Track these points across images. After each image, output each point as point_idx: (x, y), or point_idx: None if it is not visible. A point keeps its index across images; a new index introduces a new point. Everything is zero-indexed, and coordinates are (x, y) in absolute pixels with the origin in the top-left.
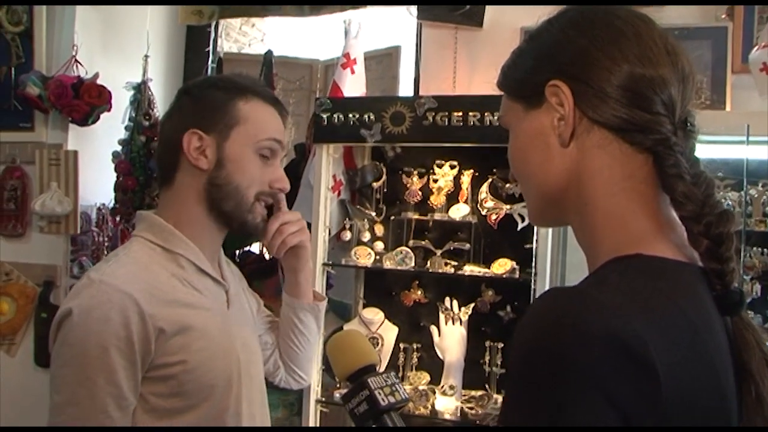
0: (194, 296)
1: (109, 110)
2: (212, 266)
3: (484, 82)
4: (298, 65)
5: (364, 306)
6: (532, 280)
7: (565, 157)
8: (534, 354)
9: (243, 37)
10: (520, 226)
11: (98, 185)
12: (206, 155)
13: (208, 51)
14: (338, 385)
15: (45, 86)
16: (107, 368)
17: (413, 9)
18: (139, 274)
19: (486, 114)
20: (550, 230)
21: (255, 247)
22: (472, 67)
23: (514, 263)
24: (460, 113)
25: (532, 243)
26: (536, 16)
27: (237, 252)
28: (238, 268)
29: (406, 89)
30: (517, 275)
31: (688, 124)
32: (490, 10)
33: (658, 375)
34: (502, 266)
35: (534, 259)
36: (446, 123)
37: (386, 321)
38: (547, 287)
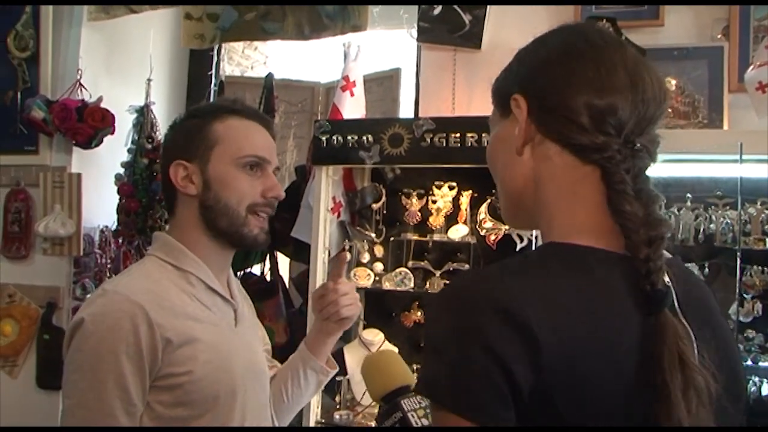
0: (203, 311)
1: (112, 133)
2: (221, 285)
3: (483, 104)
4: (299, 88)
5: (365, 327)
6: None
7: (522, 164)
8: (430, 321)
9: (246, 60)
10: (519, 246)
11: (101, 207)
12: (193, 181)
13: (211, 74)
14: (337, 407)
15: (50, 110)
16: (116, 373)
17: (413, 31)
18: (151, 288)
19: (483, 135)
20: None
21: (256, 269)
22: (470, 88)
23: None
24: (458, 134)
25: None
26: (534, 37)
27: (238, 273)
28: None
29: (406, 111)
30: None
31: (638, 144)
32: (488, 31)
33: (537, 341)
34: None
35: None
36: (444, 144)
37: (386, 342)
38: None
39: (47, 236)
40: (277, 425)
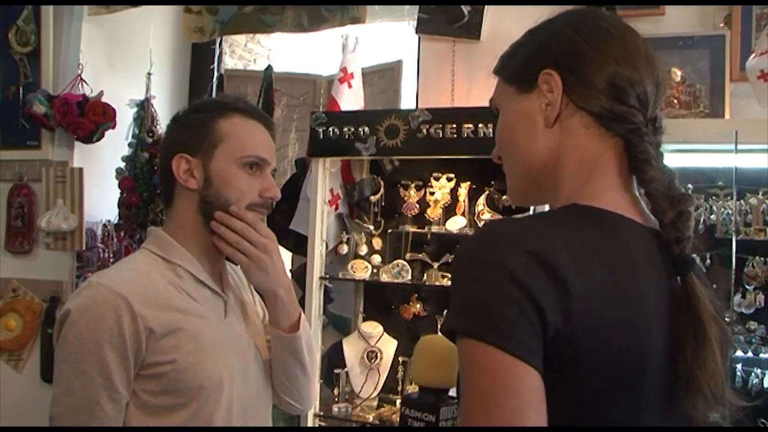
0: (189, 303)
1: (113, 127)
2: (212, 278)
3: (483, 94)
4: (301, 81)
5: (364, 319)
6: None
7: (548, 137)
8: (463, 259)
9: (248, 53)
10: None
11: (103, 202)
12: (194, 176)
13: (213, 68)
14: (336, 400)
15: (51, 105)
16: (100, 362)
17: (413, 23)
18: (137, 280)
19: (480, 125)
20: None
21: None
22: (470, 79)
23: None
24: (454, 125)
25: None
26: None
27: None
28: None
29: (408, 103)
30: None
31: (657, 123)
32: (487, 22)
33: (569, 288)
34: None
35: None
36: (440, 135)
37: (385, 334)
38: None
39: (50, 231)
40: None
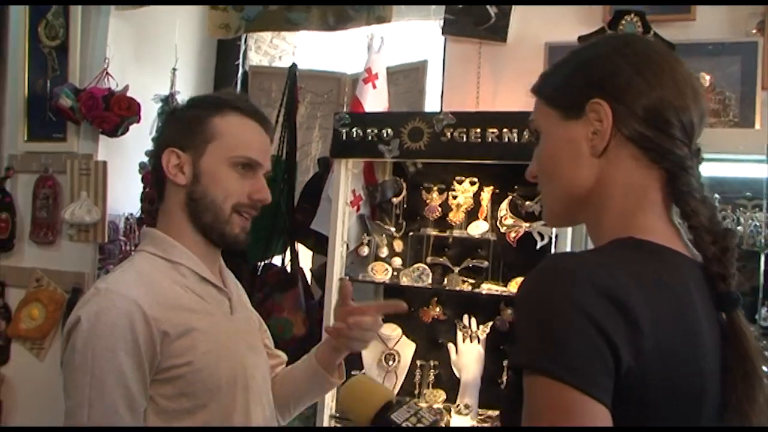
0: (197, 302)
1: (138, 122)
2: (213, 275)
3: (508, 98)
4: (326, 79)
5: (383, 322)
6: None
7: (593, 166)
8: (532, 294)
9: (273, 50)
10: (540, 244)
11: (126, 195)
12: (184, 171)
13: (238, 64)
14: None
15: (77, 98)
16: (116, 370)
17: (440, 22)
18: (143, 282)
19: (505, 130)
20: (567, 249)
21: (276, 260)
22: (495, 82)
23: None
24: (479, 130)
25: None
26: (561, 32)
27: (260, 264)
28: (259, 279)
29: (433, 104)
30: None
31: (700, 154)
32: (514, 25)
33: (639, 326)
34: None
35: None
36: (464, 139)
37: (404, 337)
38: None
39: (73, 223)
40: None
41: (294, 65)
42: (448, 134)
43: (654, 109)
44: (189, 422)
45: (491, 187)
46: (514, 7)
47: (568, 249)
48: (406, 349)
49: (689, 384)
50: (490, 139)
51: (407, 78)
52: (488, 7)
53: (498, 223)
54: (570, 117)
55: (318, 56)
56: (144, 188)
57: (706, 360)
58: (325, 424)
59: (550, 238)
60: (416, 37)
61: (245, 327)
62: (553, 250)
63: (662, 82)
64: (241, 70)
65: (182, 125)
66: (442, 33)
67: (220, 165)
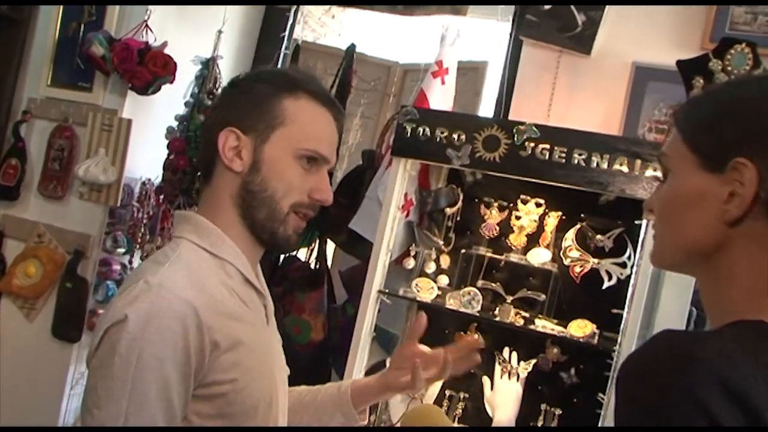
0: (242, 309)
1: (171, 82)
2: (256, 277)
3: (582, 115)
4: (375, 65)
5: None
6: (616, 351)
7: (720, 232)
8: (644, 379)
9: (321, 27)
10: (606, 284)
11: (147, 159)
12: (242, 156)
13: (283, 37)
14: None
15: (111, 48)
16: (162, 381)
17: (507, 23)
18: (196, 281)
19: (594, 155)
20: (644, 298)
21: (301, 253)
22: (571, 96)
23: (594, 327)
24: (565, 149)
25: (619, 307)
26: (651, 52)
27: (281, 256)
28: (279, 272)
29: (487, 109)
30: (596, 341)
31: None
32: (600, 37)
33: (759, 418)
34: (581, 328)
35: (622, 327)
36: (547, 157)
37: None
38: None
39: (86, 180)
40: None
41: (353, 45)
42: (529, 149)
43: None
44: None
45: (558, 213)
46: (604, 17)
47: (643, 299)
48: None
49: None
50: (576, 161)
51: (464, 77)
52: (576, 13)
53: (561, 254)
54: (708, 168)
55: (365, 40)
56: (168, 155)
57: None
58: None
59: (619, 279)
60: (478, 36)
61: (276, 338)
62: (629, 297)
63: None
64: (285, 43)
65: (248, 102)
66: (521, 35)
67: (285, 155)
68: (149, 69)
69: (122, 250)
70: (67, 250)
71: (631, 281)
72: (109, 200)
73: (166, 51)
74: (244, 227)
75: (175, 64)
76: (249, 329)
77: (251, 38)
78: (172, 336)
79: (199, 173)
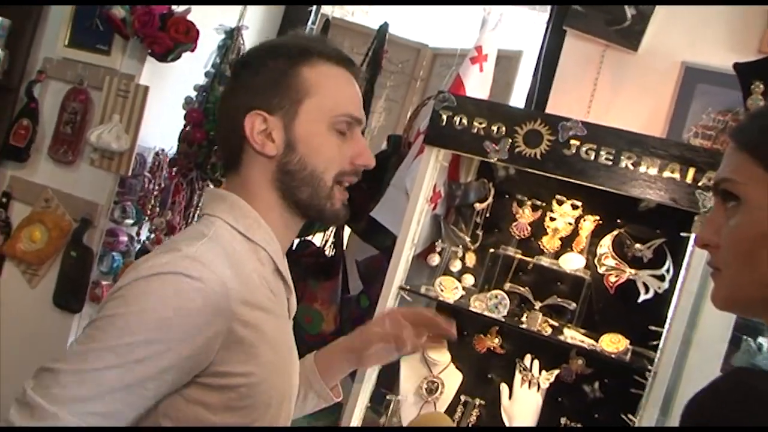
0: (270, 299)
1: (192, 50)
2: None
3: (624, 114)
4: (404, 47)
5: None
6: (651, 371)
7: None
8: (718, 421)
9: (348, 5)
10: (643, 297)
11: (162, 129)
12: (273, 139)
13: (311, 11)
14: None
15: (132, 11)
16: (157, 368)
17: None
18: (232, 262)
19: (644, 159)
20: (687, 316)
21: (316, 238)
22: (613, 93)
23: (628, 342)
24: (613, 151)
25: (653, 322)
26: (703, 53)
27: (295, 241)
28: (292, 256)
29: (518, 100)
30: (628, 357)
31: None
32: (649, 34)
33: None
34: (614, 343)
35: (661, 345)
36: (592, 158)
37: (451, 365)
38: (665, 382)
39: (98, 147)
40: None
41: (386, 25)
42: (573, 147)
43: None
44: None
45: (595, 217)
46: (655, 13)
47: (686, 317)
48: (452, 379)
49: None
50: (623, 164)
51: (496, 66)
52: (626, 6)
53: (596, 261)
54: None
55: (393, 22)
56: (185, 127)
57: None
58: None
59: (656, 293)
60: (513, 25)
61: (292, 332)
62: (670, 314)
63: None
64: (312, 18)
65: (266, 81)
66: (565, 25)
67: (319, 128)
68: (170, 35)
69: (130, 221)
70: (74, 217)
71: (674, 298)
72: (120, 169)
73: (189, 17)
74: (285, 208)
75: (198, 31)
76: (273, 322)
77: (278, 10)
78: (202, 319)
79: (215, 147)
